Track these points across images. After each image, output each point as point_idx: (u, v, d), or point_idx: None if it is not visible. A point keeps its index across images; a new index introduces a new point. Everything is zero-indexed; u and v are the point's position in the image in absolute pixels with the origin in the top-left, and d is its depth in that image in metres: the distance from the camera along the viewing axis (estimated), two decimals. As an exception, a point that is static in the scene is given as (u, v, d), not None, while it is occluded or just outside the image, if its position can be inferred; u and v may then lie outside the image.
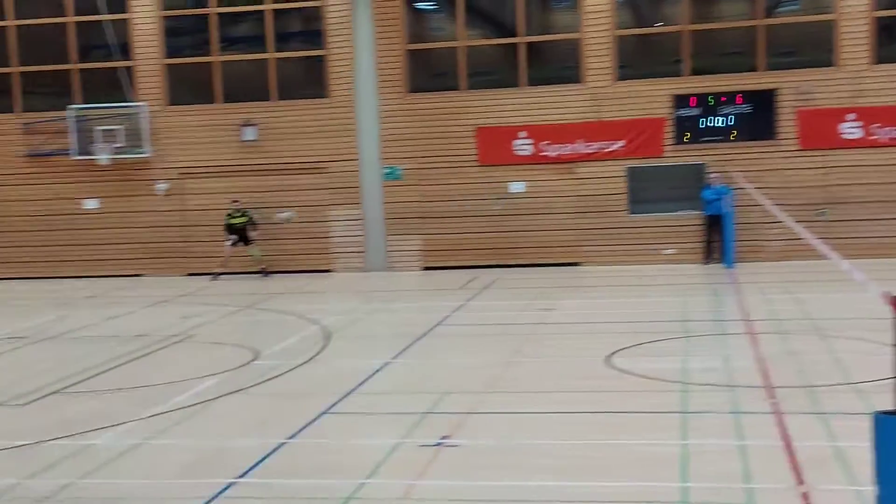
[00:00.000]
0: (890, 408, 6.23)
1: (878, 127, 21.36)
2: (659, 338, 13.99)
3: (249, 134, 23.56)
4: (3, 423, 10.75)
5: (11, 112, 24.42)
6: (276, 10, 23.63)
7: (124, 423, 10.46)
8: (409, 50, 23.33)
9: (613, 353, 12.88)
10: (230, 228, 22.85)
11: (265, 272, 22.93)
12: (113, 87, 23.78)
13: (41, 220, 24.26)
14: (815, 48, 22.09)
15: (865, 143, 21.46)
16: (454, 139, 23.05)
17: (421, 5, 24.13)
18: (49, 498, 8.17)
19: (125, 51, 23.69)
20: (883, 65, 21.40)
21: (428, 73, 24.12)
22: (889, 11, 21.57)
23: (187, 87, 24.47)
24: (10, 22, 24.24)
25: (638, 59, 23.20)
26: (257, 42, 23.95)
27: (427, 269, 23.28)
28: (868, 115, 21.37)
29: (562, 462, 8.62)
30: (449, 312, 16.93)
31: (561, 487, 7.96)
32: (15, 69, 24.40)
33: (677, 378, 11.39)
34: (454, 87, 23.21)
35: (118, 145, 23.52)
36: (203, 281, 22.63)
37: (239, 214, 22.77)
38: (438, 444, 9.18)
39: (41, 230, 24.29)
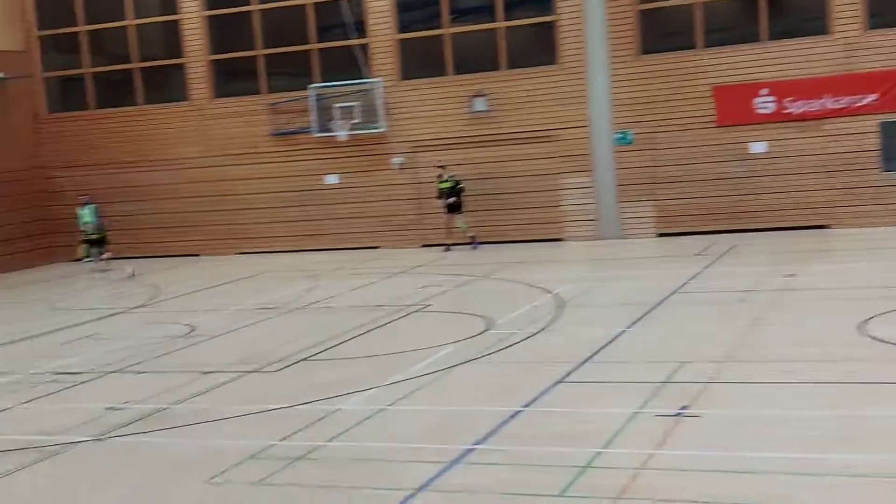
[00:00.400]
0: None
1: None
2: (919, 305, 12.96)
3: (480, 105, 23.75)
4: (257, 389, 11.39)
5: (258, 94, 25.77)
6: (504, -21, 23.62)
7: (368, 389, 10.83)
8: (641, 10, 22.70)
9: (867, 320, 12.05)
10: (439, 193, 23.23)
11: (474, 243, 23.19)
12: (349, 64, 24.60)
13: (286, 196, 25.51)
14: None
15: None
16: (689, 100, 22.28)
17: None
18: (300, 458, 8.58)
19: (360, 29, 24.41)
20: None
21: (661, 33, 23.40)
22: None
23: (419, 61, 24.95)
24: (255, 7, 25.53)
25: (891, 6, 21.49)
26: (486, 12, 24.04)
27: (662, 235, 22.70)
28: None
29: (809, 433, 8.16)
30: (686, 280, 16.43)
31: (808, 460, 7.54)
32: (259, 52, 25.70)
33: (941, 349, 10.53)
34: (689, 46, 22.41)
35: (355, 121, 24.36)
36: (437, 252, 23.10)
37: (445, 180, 23.07)
38: (677, 415, 8.91)
39: (287, 206, 25.55)
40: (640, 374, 10.63)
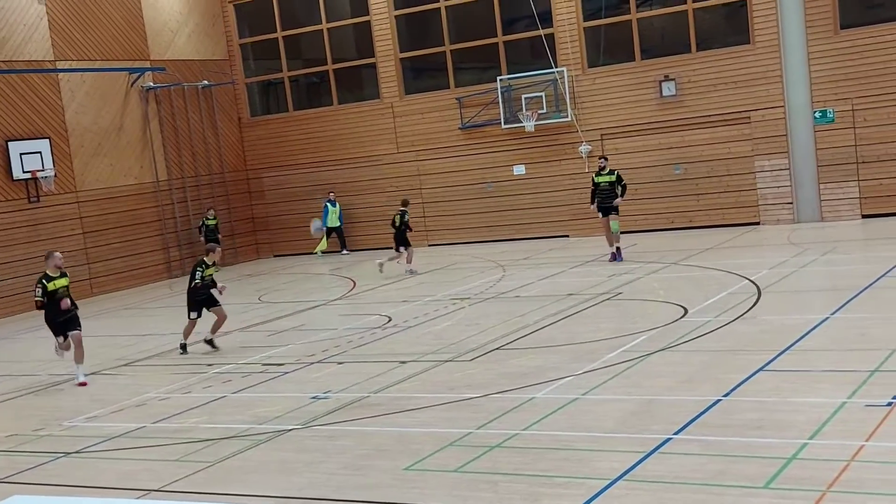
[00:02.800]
0: None
1: None
2: None
3: (668, 89, 23.30)
4: (453, 377, 11.64)
5: (447, 89, 26.20)
6: (692, -40, 23.05)
7: (562, 378, 10.87)
8: (839, -17, 21.68)
9: None
10: (595, 187, 19.71)
11: (617, 257, 19.50)
12: (535, 55, 24.64)
13: (477, 188, 25.84)
14: None
15: None
16: (894, 75, 21.09)
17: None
18: (498, 445, 8.72)
19: (545, 19, 24.38)
20: None
21: (862, 5, 22.24)
22: None
23: (605, 49, 24.71)
24: (442, 3, 25.94)
25: None
26: (675, -6, 23.54)
27: (866, 216, 21.60)
28: None
29: None
30: (894, 263, 15.58)
31: None
32: (447, 48, 26.12)
33: None
34: (892, 18, 21.19)
35: (542, 111, 24.40)
36: (629, 239, 22.78)
37: (606, 173, 19.47)
38: (890, 405, 8.51)
39: (477, 198, 25.87)
40: (847, 362, 10.20)
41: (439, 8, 25.95)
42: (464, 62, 26.32)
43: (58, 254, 13.93)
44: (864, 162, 21.65)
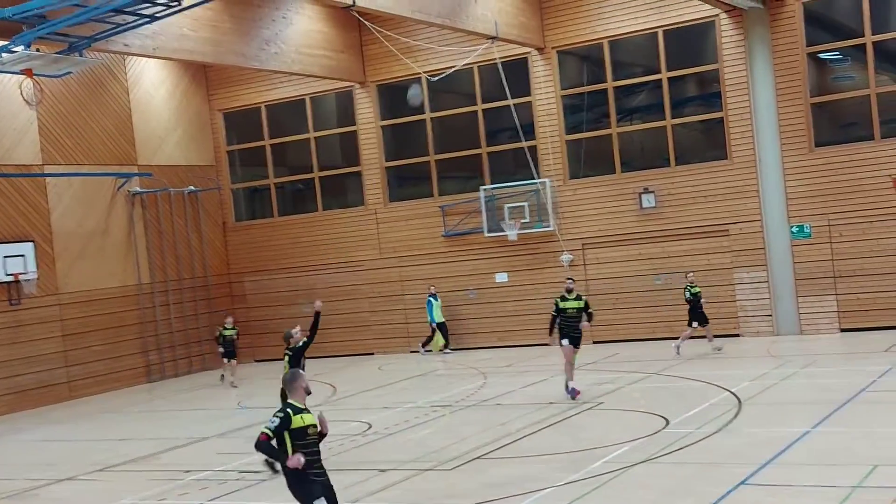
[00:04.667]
0: None
1: None
2: None
3: (648, 201, 23.72)
4: (434, 486, 11.54)
5: (430, 197, 26.59)
6: (671, 78, 23.75)
7: (543, 489, 10.81)
8: (813, 103, 22.33)
9: None
10: (558, 315, 16.85)
11: (573, 391, 16.52)
12: (518, 166, 25.12)
13: (460, 294, 25.95)
14: None
15: None
16: (868, 192, 21.59)
17: (824, 56, 23.06)
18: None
19: (528, 131, 24.94)
20: None
21: (835, 125, 22.92)
22: None
23: (586, 161, 25.23)
24: (427, 115, 26.52)
25: None
26: (654, 110, 24.17)
27: (845, 330, 21.80)
28: None
29: None
30: (874, 377, 15.70)
31: None
32: (432, 157, 26.60)
33: None
34: (866, 138, 21.81)
35: (524, 221, 24.74)
36: (610, 348, 22.86)
37: (574, 297, 16.71)
38: (872, 521, 8.50)
39: (460, 304, 25.95)
40: (830, 477, 10.21)
41: (425, 119, 26.52)
42: (448, 171, 26.79)
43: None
44: (840, 276, 21.97)
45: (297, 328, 13.97)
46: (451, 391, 18.85)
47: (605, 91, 24.52)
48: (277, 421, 8.08)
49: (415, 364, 23.89)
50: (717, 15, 22.84)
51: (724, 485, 10.14)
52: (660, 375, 18.47)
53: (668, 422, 13.78)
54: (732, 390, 15.73)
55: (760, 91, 22.40)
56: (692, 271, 21.76)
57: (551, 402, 16.30)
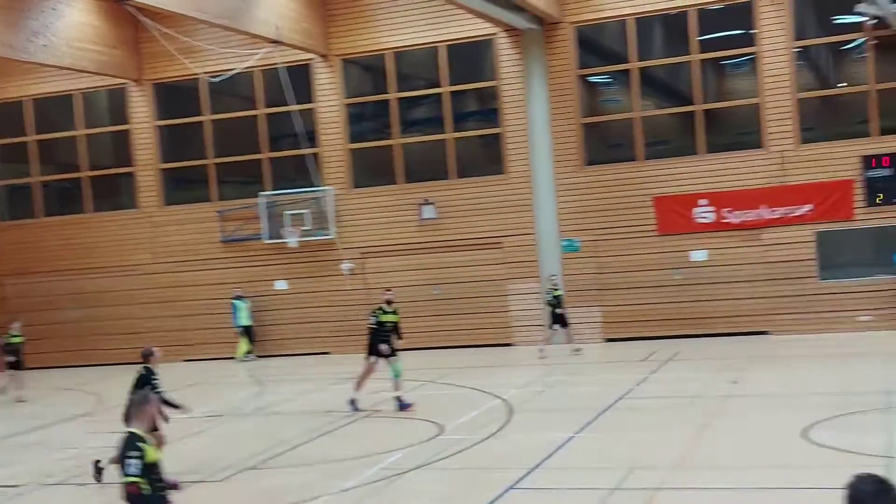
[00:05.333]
0: None
1: None
2: (859, 409, 13.27)
3: (428, 212, 24.15)
4: (203, 499, 11.23)
5: (208, 201, 25.95)
6: (452, 92, 24.30)
7: (318, 496, 10.75)
8: (584, 123, 23.46)
9: (810, 427, 12.30)
10: (375, 329, 16.38)
11: (403, 404, 16.02)
12: (300, 173, 24.95)
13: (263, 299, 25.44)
14: None
15: None
16: (632, 209, 22.89)
17: (594, 79, 24.30)
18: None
19: (311, 138, 24.84)
20: None
21: (604, 145, 24.17)
22: None
23: (369, 170, 25.41)
24: (206, 117, 25.91)
25: (822, 121, 22.51)
26: (436, 123, 24.66)
27: (608, 340, 23.00)
28: None
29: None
30: (633, 385, 16.63)
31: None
32: (210, 161, 25.99)
33: (881, 452, 10.76)
34: (631, 158, 23.13)
35: (305, 228, 24.60)
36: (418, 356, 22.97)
37: (391, 311, 16.52)
38: (628, 521, 8.99)
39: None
40: (591, 480, 10.71)
41: (203, 121, 25.88)
42: (227, 176, 26.24)
43: None
44: (605, 289, 23.16)
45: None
46: (227, 400, 18.42)
47: (388, 102, 24.78)
48: (139, 462, 6.85)
49: (190, 372, 23.18)
50: (496, 33, 23.59)
51: (494, 489, 10.43)
52: (435, 383, 18.80)
53: (442, 429, 14.04)
54: (503, 398, 16.23)
55: (536, 109, 23.31)
56: (554, 275, 22.22)
57: (329, 411, 16.25)
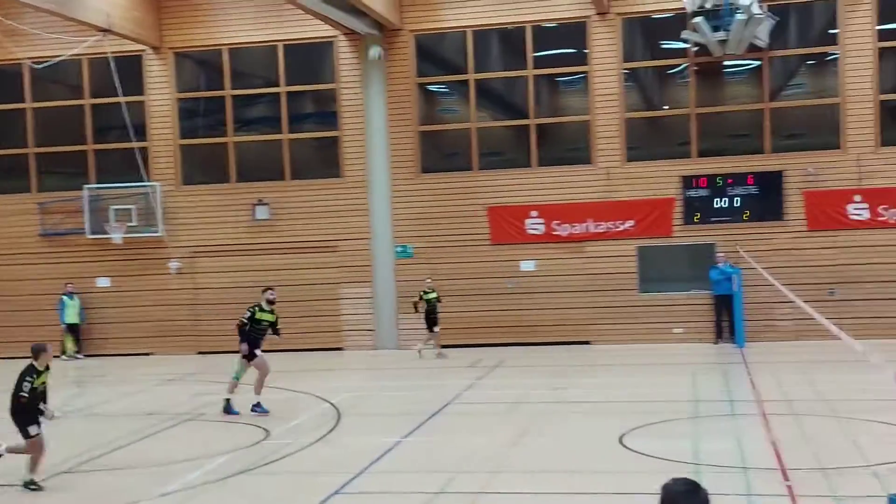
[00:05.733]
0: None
1: (885, 208, 21.52)
2: (671, 418, 13.95)
3: (262, 213, 23.84)
4: None
5: (28, 192, 24.77)
6: (290, 93, 24.09)
7: (138, 501, 10.43)
8: (421, 131, 23.70)
9: (626, 434, 12.83)
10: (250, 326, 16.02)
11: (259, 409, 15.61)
12: (128, 167, 24.14)
13: (55, 298, 24.36)
14: (821, 131, 22.37)
15: (872, 224, 21.59)
16: (466, 218, 23.28)
17: (433, 88, 24.59)
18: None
19: (140, 132, 24.08)
20: (888, 147, 21.63)
21: (440, 153, 24.48)
22: (893, 95, 21.90)
23: (201, 167, 24.86)
24: (28, 105, 24.75)
25: (647, 141, 23.53)
26: (272, 123, 24.37)
27: (444, 346, 23.24)
28: (874, 197, 21.53)
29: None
30: (460, 391, 16.91)
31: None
32: (31, 150, 24.83)
33: (690, 459, 11.34)
34: (466, 168, 23.51)
35: (131, 224, 23.81)
36: (214, 359, 22.59)
37: (269, 310, 16.10)
38: (452, 525, 9.13)
39: (55, 309, 24.37)
40: (417, 484, 10.82)
41: (24, 108, 24.71)
42: (49, 167, 25.13)
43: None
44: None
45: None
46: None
47: (223, 98, 24.33)
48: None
49: (11, 372, 22.00)
50: (336, 36, 23.54)
51: (320, 494, 10.39)
52: (264, 387, 18.50)
53: (268, 433, 13.88)
54: (332, 402, 16.19)
55: (374, 114, 23.39)
56: (429, 278, 22.12)
57: (150, 413, 15.79)
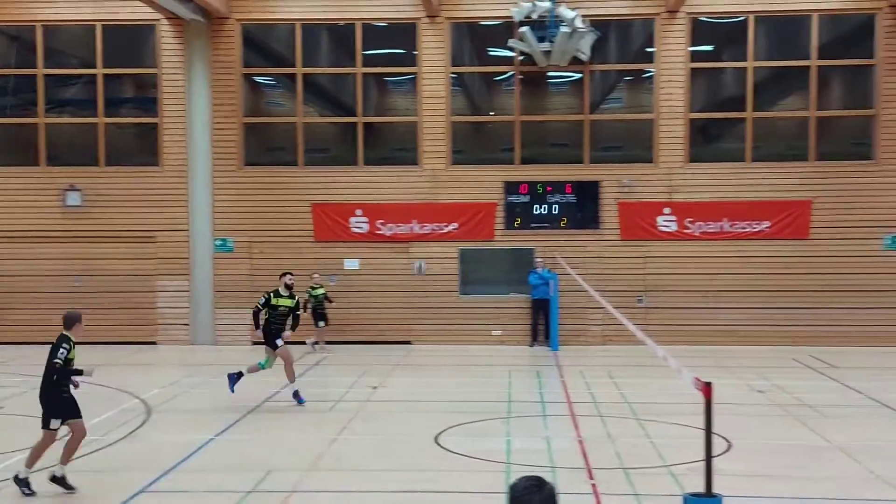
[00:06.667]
0: (700, 490, 6.58)
1: (691, 221, 22.66)
2: (485, 417, 14.23)
3: (73, 199, 22.81)
4: None
5: None
6: (107, 75, 23.17)
7: (-78, 501, 9.78)
8: (246, 123, 23.27)
9: (441, 433, 13.00)
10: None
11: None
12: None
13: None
14: (635, 145, 23.35)
15: (679, 236, 22.71)
16: (289, 214, 23.01)
17: (259, 80, 24.19)
18: None
19: (-57, 108, 22.67)
20: (695, 163, 22.79)
21: (265, 147, 24.10)
22: (703, 114, 23.11)
23: (8, 149, 23.58)
24: None
25: (472, 145, 23.93)
26: (87, 106, 23.37)
27: (256, 343, 22.85)
28: (682, 210, 22.65)
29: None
30: (278, 388, 16.68)
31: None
32: None
33: (502, 458, 11.60)
34: (291, 163, 23.24)
35: (-73, 205, 22.34)
36: (19, 350, 21.40)
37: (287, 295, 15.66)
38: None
39: None
40: (228, 482, 10.61)
41: None
42: None
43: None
44: (258, 291, 22.93)
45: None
46: None
47: (34, 77, 23.15)
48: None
49: None
50: (158, 19, 22.80)
51: (124, 492, 10.03)
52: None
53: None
54: (143, 397, 15.67)
55: (196, 103, 22.79)
56: (316, 273, 21.74)
57: (-59, 407, 14.84)
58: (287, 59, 23.31)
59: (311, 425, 13.67)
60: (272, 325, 15.34)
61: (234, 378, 15.32)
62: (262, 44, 23.88)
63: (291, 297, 15.51)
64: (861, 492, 10.38)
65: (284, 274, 15.77)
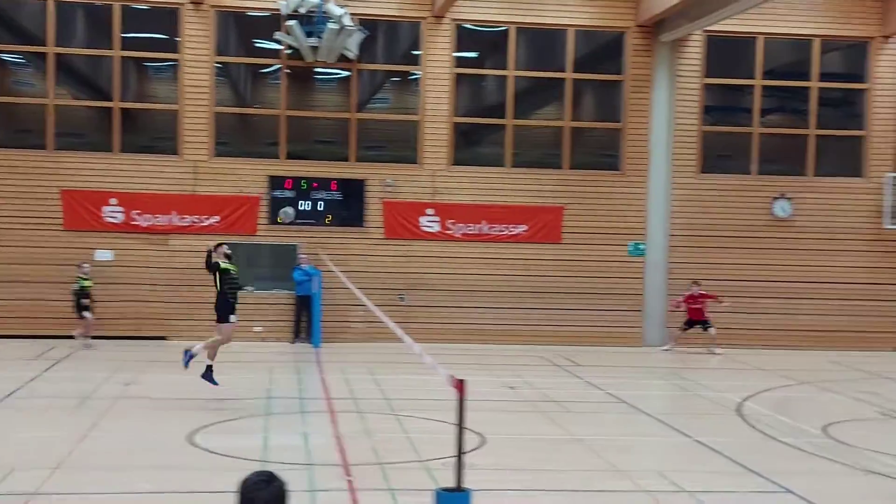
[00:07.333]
0: (450, 485, 6.83)
1: (453, 223, 23.31)
2: (242, 415, 14.08)
3: None
4: None
5: None
6: None
7: None
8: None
9: (196, 431, 12.73)
10: None
11: None
12: None
13: None
14: (401, 145, 23.73)
15: (441, 236, 23.30)
16: (37, 200, 21.75)
17: (6, 57, 22.70)
18: None
19: None
20: (458, 166, 23.45)
21: (11, 128, 22.66)
22: (466, 118, 23.81)
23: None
24: None
25: (236, 138, 23.51)
26: None
27: (1, 337, 21.49)
28: (444, 212, 23.24)
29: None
30: (22, 384, 15.78)
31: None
32: None
33: (258, 456, 11.50)
34: (40, 146, 21.97)
35: None
36: None
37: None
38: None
39: None
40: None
41: None
42: None
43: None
44: (1, 282, 21.67)
45: None
46: None
47: None
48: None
49: None
50: None
51: None
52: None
53: None
54: None
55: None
56: (86, 263, 20.67)
57: None
58: (38, 38, 22.02)
59: (60, 423, 13.02)
60: (229, 296, 15.06)
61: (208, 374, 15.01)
62: (9, 19, 22.44)
63: (235, 265, 15.23)
64: (600, 483, 11.08)
65: (219, 245, 15.24)
